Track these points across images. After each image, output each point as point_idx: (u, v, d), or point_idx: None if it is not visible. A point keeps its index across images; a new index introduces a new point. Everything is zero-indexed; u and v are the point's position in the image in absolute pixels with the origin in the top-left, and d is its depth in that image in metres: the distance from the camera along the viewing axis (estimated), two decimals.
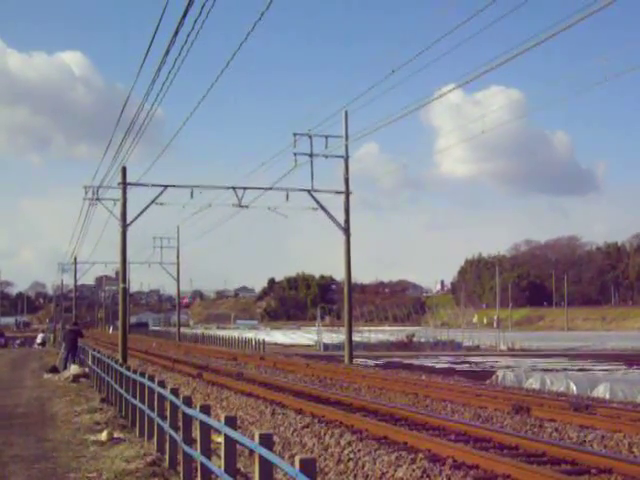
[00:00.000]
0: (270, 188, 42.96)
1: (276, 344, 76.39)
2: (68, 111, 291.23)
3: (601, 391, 26.32)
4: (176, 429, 12.46)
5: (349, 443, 14.82)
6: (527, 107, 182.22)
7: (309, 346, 72.49)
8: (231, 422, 9.17)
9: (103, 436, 15.85)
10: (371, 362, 46.82)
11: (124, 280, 42.45)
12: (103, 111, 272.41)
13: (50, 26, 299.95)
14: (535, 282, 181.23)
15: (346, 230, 43.12)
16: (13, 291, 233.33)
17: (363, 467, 13.18)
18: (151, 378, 15.31)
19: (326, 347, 66.55)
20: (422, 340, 72.87)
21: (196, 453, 10.79)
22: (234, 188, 43.03)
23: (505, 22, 22.08)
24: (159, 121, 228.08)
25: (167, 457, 13.04)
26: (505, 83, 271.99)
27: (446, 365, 44.95)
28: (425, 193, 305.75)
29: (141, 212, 41.98)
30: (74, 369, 33.79)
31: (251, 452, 10.95)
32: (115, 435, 16.04)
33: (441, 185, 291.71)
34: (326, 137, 40.88)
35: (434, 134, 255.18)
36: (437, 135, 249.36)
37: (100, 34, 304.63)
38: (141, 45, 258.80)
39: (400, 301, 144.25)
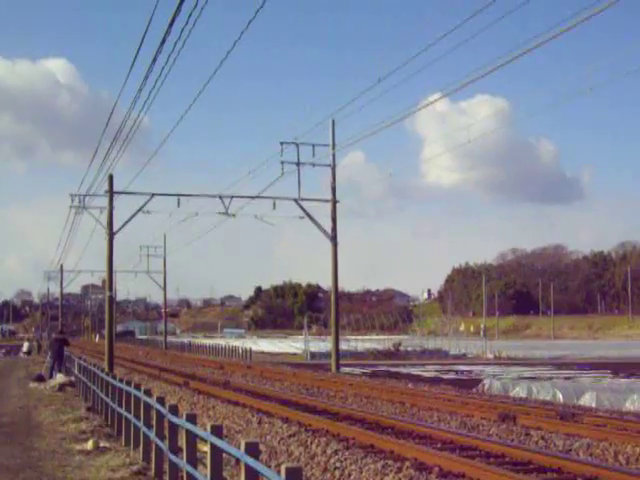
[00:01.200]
0: (257, 197, 43.04)
1: (263, 353, 76.30)
2: (53, 119, 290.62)
3: (587, 399, 26.39)
4: (162, 438, 12.42)
5: (335, 452, 14.81)
6: (512, 116, 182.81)
7: (296, 355, 72.44)
8: (217, 431, 9.16)
9: (89, 445, 15.79)
10: (358, 371, 46.79)
11: (110, 288, 42.36)
12: (88, 119, 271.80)
13: (34, 32, 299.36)
14: (522, 291, 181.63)
15: (333, 238, 43.17)
16: None
17: (349, 476, 13.17)
18: (137, 387, 15.27)
19: (313, 356, 66.50)
20: (409, 349, 72.93)
21: (182, 462, 10.77)
22: (221, 197, 43.03)
23: (491, 31, 22.21)
24: (144, 129, 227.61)
25: (153, 466, 13.00)
26: (490, 92, 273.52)
27: (433, 374, 44.98)
28: (411, 201, 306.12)
29: (128, 220, 41.94)
30: (60, 378, 33.66)
31: (237, 461, 10.93)
32: (101, 444, 15.98)
33: (427, 193, 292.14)
34: (313, 146, 41.02)
35: (419, 142, 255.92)
36: (423, 143, 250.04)
37: (85, 41, 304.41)
38: (125, 52, 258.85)
39: (387, 309, 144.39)
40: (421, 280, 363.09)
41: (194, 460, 10.65)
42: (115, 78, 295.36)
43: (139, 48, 17.11)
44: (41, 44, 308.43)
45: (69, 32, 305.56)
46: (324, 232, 43.34)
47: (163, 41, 15.80)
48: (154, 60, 17.03)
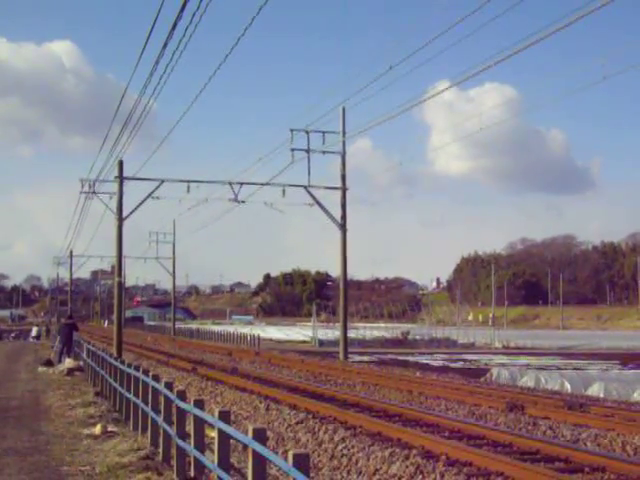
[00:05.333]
0: (267, 184, 42.95)
1: (271, 340, 76.35)
2: (60, 103, 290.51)
3: (595, 390, 26.35)
4: (170, 423, 12.45)
5: (343, 439, 14.83)
6: (522, 104, 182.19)
7: (304, 342, 72.45)
8: (225, 417, 9.17)
9: (97, 430, 15.84)
10: (366, 359, 46.82)
11: (120, 274, 42.41)
12: (95, 103, 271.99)
13: (39, 15, 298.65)
14: (531, 281, 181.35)
15: (342, 226, 43.11)
16: (8, 284, 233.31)
17: (357, 463, 13.18)
18: (145, 372, 15.29)
19: (321, 343, 66.53)
20: (417, 337, 72.87)
21: (190, 447, 10.79)
22: (230, 183, 42.98)
23: (502, 20, 22.08)
24: (152, 114, 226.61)
25: (161, 451, 13.03)
26: (499, 80, 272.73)
27: (441, 362, 44.98)
28: (419, 189, 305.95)
29: (137, 206, 41.95)
30: (69, 362, 33.77)
31: (245, 447, 10.94)
32: (109, 429, 16.03)
33: (435, 182, 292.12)
34: (323, 133, 40.91)
35: (427, 130, 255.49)
36: (430, 131, 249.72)
37: (89, 24, 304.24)
38: (130, 36, 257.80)
39: (396, 298, 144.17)
40: (430, 269, 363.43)
41: (202, 445, 10.67)
42: (120, 61, 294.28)
43: (150, 33, 17.05)
44: (46, 26, 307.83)
45: (74, 14, 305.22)
46: (333, 220, 43.28)
47: (174, 26, 15.75)
48: (165, 45, 16.98)
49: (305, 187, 42.86)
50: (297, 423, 17.25)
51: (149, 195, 41.87)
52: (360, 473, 12.71)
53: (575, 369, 37.41)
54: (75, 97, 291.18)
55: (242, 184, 43.07)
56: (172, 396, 12.18)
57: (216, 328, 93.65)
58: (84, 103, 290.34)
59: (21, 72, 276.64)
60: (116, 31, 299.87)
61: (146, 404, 14.46)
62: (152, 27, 16.67)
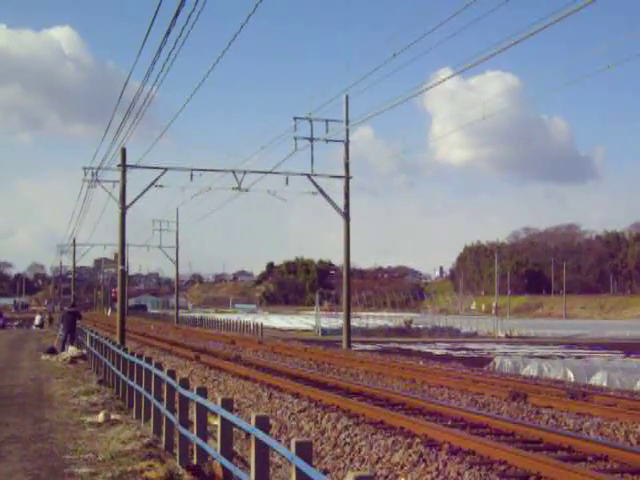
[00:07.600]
0: (270, 172, 42.93)
1: (274, 328, 76.38)
2: (61, 90, 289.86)
3: (598, 379, 26.34)
4: (173, 411, 12.46)
5: (346, 427, 14.83)
6: (524, 93, 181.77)
7: (307, 331, 72.52)
8: (228, 405, 9.18)
9: (100, 417, 15.85)
10: (369, 347, 46.86)
11: (123, 262, 42.42)
12: (96, 90, 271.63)
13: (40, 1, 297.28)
14: (534, 270, 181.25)
15: (346, 215, 43.07)
16: (11, 272, 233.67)
17: (359, 451, 13.18)
18: (148, 360, 15.30)
19: (324, 332, 66.57)
20: (420, 326, 72.93)
21: (192, 435, 10.79)
22: (234, 171, 42.96)
23: (505, 8, 21.98)
24: (154, 102, 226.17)
25: (163, 439, 13.04)
26: (501, 68, 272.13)
27: (444, 351, 45.00)
28: (421, 178, 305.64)
29: (140, 194, 41.99)
30: (72, 351, 33.78)
31: (247, 435, 10.94)
32: (112, 417, 16.03)
33: (437, 170, 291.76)
34: (326, 121, 40.83)
35: (428, 118, 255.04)
36: (432, 119, 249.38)
37: (89, 11, 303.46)
38: (131, 22, 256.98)
39: (399, 287, 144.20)
40: (433, 258, 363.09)
41: (204, 433, 10.67)
42: (120, 48, 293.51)
43: (152, 21, 17.00)
44: (45, 12, 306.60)
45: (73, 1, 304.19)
46: (336, 208, 43.25)
47: (177, 13, 15.70)
48: (168, 32, 16.93)
49: (308, 175, 42.82)
50: (300, 411, 17.26)
51: (152, 183, 41.88)
52: (363, 461, 12.71)
53: (578, 358, 37.42)
54: (76, 84, 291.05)
55: (245, 172, 43.07)
56: (175, 384, 12.19)
57: (219, 316, 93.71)
58: (85, 90, 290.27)
59: (21, 59, 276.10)
60: (116, 18, 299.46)
61: (149, 392, 14.47)
62: (155, 14, 16.61)
